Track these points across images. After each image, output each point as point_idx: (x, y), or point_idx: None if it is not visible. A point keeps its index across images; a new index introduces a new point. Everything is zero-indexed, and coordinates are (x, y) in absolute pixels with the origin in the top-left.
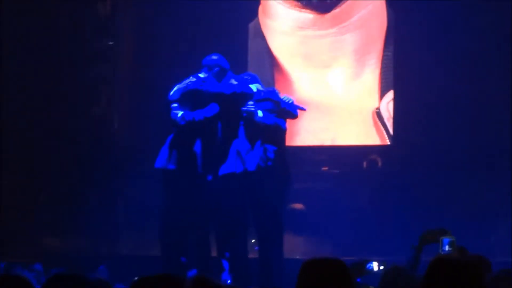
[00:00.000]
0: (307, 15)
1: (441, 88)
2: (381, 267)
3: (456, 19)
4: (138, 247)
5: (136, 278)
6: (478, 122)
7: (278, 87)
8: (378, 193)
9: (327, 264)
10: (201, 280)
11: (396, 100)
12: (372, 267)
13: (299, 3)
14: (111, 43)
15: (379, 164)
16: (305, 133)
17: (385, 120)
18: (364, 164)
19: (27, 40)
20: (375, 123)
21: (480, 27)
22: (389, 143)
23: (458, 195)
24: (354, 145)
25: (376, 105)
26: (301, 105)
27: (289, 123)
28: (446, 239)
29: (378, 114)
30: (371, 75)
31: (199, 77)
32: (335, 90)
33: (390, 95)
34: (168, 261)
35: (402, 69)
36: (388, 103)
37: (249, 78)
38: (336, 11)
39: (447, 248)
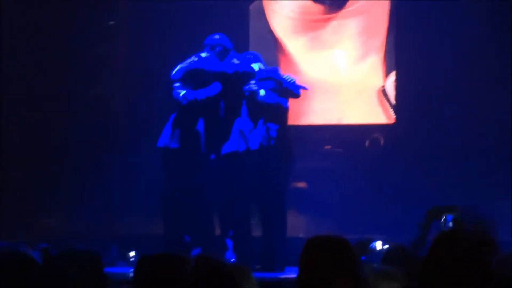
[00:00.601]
0: (311, 2)
1: (443, 69)
2: (385, 246)
3: (458, 2)
4: (141, 226)
5: (138, 257)
6: (480, 102)
7: (282, 68)
8: (381, 171)
9: (330, 241)
10: (204, 259)
11: (398, 80)
12: (375, 245)
13: None
14: (112, 22)
15: (382, 142)
16: (311, 113)
17: (391, 98)
18: (367, 142)
19: (29, 20)
20: (381, 101)
21: (483, 10)
22: (395, 119)
23: (461, 173)
24: (357, 124)
25: (381, 84)
26: (303, 85)
27: (295, 103)
28: (449, 215)
29: (384, 92)
30: (376, 56)
31: (201, 56)
32: (340, 70)
33: (394, 74)
34: (171, 240)
35: (404, 50)
36: (393, 81)
37: (252, 57)
38: None
39: (450, 224)
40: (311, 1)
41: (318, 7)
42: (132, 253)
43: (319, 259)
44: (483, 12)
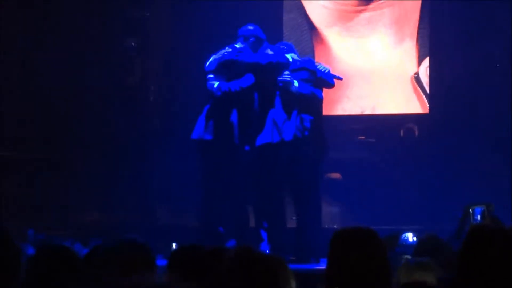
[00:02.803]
0: None
1: (476, 56)
2: (414, 238)
3: None
4: (176, 217)
5: (175, 247)
6: None
7: (317, 56)
8: (415, 161)
9: (358, 233)
10: (245, 251)
11: (431, 68)
12: (407, 237)
13: None
14: (147, 14)
15: (416, 132)
16: (346, 100)
17: (425, 85)
18: (401, 132)
19: (61, 10)
20: (415, 89)
21: None
22: (429, 107)
23: (496, 164)
24: (390, 114)
25: (415, 71)
26: (337, 74)
27: (330, 91)
28: (477, 208)
29: (417, 79)
30: (409, 43)
31: (235, 47)
32: (374, 58)
33: (428, 61)
34: (206, 232)
35: (437, 38)
36: (426, 68)
37: (285, 47)
38: None
39: (478, 217)
40: None
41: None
42: (174, 245)
43: (348, 250)
44: None
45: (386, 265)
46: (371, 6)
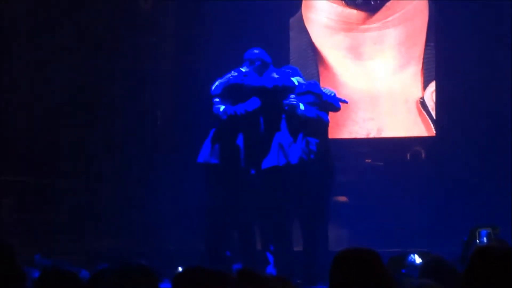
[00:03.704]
0: (351, 11)
1: (483, 79)
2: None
3: (497, 11)
4: (183, 242)
5: (180, 270)
6: None
7: (323, 80)
8: (422, 185)
9: (359, 254)
10: (247, 273)
11: (438, 91)
12: (414, 259)
13: (342, 2)
14: (154, 39)
15: (423, 155)
16: (351, 123)
17: (430, 109)
18: (408, 156)
19: (71, 31)
20: (420, 112)
21: None
22: (435, 132)
23: (503, 186)
24: (397, 137)
25: (420, 95)
26: (343, 98)
27: (336, 114)
28: (483, 231)
29: (423, 104)
30: (415, 66)
31: (241, 71)
32: (380, 81)
33: (433, 85)
34: (213, 255)
35: (443, 60)
36: (432, 93)
37: (290, 71)
38: (380, 7)
39: (484, 239)
40: (348, 8)
41: (357, 16)
42: (180, 269)
43: (349, 272)
44: None
45: (389, 286)
46: (375, 25)
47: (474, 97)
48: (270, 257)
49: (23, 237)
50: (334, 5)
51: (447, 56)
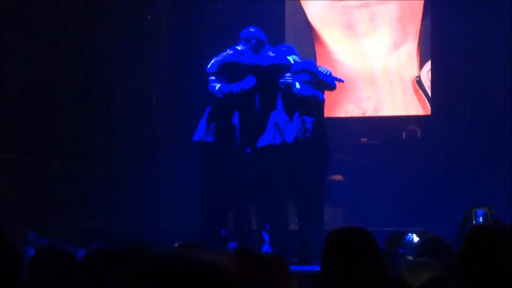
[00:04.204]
0: None
1: (479, 58)
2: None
3: None
4: (180, 221)
5: (176, 245)
6: None
7: (319, 59)
8: (417, 163)
9: (352, 233)
10: (243, 251)
11: (433, 69)
12: (412, 238)
13: None
14: (149, 17)
15: (418, 134)
16: (348, 103)
17: (426, 88)
18: (403, 134)
19: (63, 15)
20: (416, 91)
21: None
22: (431, 111)
23: (498, 166)
24: (392, 116)
25: (416, 74)
26: (339, 77)
27: (332, 93)
28: (479, 210)
29: (419, 83)
30: (411, 44)
31: (237, 49)
32: (376, 60)
33: (429, 64)
34: (208, 234)
35: (439, 38)
36: (428, 71)
37: (286, 49)
38: None
39: (480, 219)
40: None
41: None
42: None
43: (341, 251)
44: None
45: (381, 265)
46: (372, 1)
47: (470, 77)
48: (266, 236)
49: (16, 216)
50: None
51: (443, 35)
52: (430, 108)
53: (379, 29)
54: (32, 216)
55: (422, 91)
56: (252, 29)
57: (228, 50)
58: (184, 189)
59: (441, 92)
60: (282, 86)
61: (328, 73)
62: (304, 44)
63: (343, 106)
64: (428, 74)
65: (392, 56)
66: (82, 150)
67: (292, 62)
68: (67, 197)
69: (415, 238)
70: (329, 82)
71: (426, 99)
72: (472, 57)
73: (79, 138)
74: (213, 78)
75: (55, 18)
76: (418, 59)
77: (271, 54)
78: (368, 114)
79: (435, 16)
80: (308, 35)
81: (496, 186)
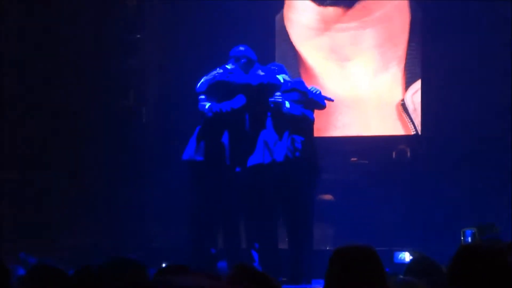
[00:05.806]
0: (330, 9)
1: (469, 77)
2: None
3: (483, 10)
4: (170, 239)
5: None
6: (508, 111)
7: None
8: (407, 183)
9: (357, 251)
10: (243, 268)
11: (423, 89)
12: (404, 257)
13: (320, 1)
14: (138, 36)
15: (408, 154)
16: (332, 128)
17: (410, 112)
18: (393, 154)
19: (55, 33)
20: (399, 115)
21: (508, 17)
22: (420, 131)
23: (489, 185)
24: (382, 135)
25: (401, 97)
26: (329, 96)
27: (316, 118)
28: (468, 230)
29: (403, 106)
30: (396, 67)
31: (226, 68)
32: (360, 84)
33: (415, 86)
34: (197, 253)
35: (429, 58)
36: (413, 95)
37: (276, 68)
38: (358, 5)
39: (469, 239)
40: (327, 7)
41: (336, 14)
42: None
43: (346, 268)
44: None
45: (385, 284)
46: (353, 24)
47: (460, 96)
48: (255, 255)
49: (4, 235)
50: (312, 4)
51: (433, 54)
52: (412, 131)
53: (361, 54)
54: (18, 234)
55: (406, 115)
56: (242, 48)
57: (218, 69)
58: (174, 208)
59: (430, 112)
60: (272, 105)
61: (318, 92)
62: (291, 66)
63: (328, 130)
64: (412, 97)
65: (377, 80)
66: (70, 168)
67: (282, 81)
68: (53, 215)
69: (407, 257)
70: (318, 101)
71: (409, 123)
72: (463, 76)
73: (69, 156)
74: (203, 97)
75: (50, 33)
76: (404, 82)
77: (261, 73)
78: (356, 134)
79: (425, 37)
80: (293, 58)
81: (488, 204)
